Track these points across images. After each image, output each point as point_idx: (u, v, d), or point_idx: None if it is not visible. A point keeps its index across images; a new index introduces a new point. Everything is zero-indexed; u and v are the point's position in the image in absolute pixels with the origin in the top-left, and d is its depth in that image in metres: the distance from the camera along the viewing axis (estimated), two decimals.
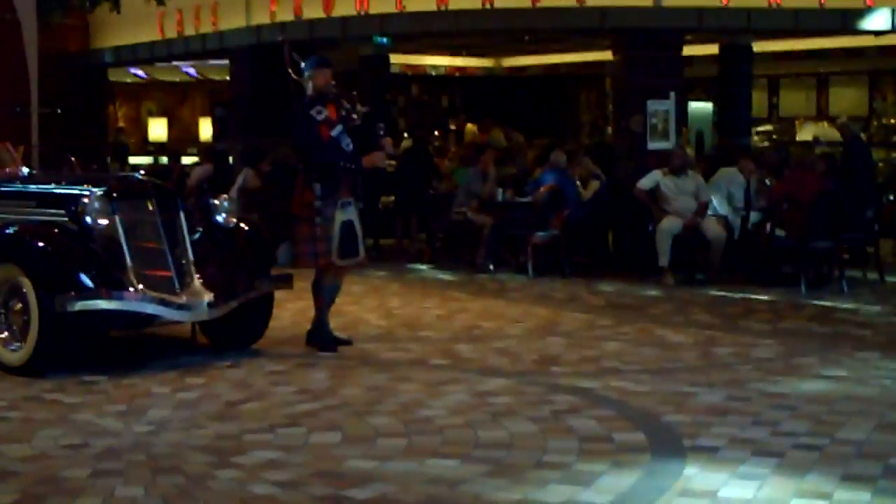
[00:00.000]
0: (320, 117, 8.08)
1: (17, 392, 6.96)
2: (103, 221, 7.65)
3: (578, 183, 13.07)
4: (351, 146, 8.13)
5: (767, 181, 12.30)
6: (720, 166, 12.74)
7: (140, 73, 21.42)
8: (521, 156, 14.99)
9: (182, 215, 7.95)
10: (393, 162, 14.69)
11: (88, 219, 7.64)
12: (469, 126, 20.86)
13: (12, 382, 7.21)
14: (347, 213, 8.19)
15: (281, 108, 8.59)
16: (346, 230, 8.15)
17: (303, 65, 8.30)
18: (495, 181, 13.19)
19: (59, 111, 16.82)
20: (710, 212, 11.93)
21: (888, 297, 10.92)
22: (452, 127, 21.20)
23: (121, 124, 22.44)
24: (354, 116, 8.22)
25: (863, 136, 14.81)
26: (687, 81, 14.97)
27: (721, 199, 12.06)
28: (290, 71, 8.41)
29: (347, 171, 8.13)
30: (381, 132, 8.48)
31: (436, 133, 20.85)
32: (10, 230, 7.68)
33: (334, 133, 8.08)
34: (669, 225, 11.64)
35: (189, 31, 16.44)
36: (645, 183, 11.95)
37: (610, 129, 15.95)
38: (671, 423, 6.21)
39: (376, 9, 13.56)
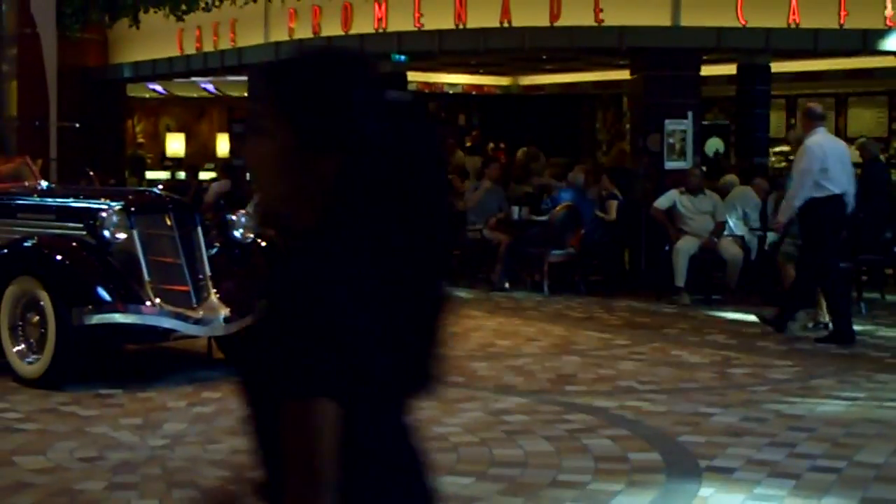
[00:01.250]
0: None
1: (34, 404, 6.98)
2: (121, 235, 7.67)
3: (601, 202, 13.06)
4: None
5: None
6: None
7: (158, 88, 21.51)
8: (539, 174, 14.98)
9: (199, 230, 7.97)
10: None
11: (106, 233, 7.67)
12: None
13: (29, 394, 7.23)
14: None
15: None
16: None
17: None
18: (485, 193, 13.17)
19: (77, 125, 16.92)
20: (725, 232, 11.90)
21: None
22: (468, 144, 21.22)
23: (140, 139, 22.54)
24: None
25: (882, 157, 14.73)
26: (704, 101, 14.95)
27: (737, 220, 12.02)
28: None
29: None
30: None
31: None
32: (29, 243, 7.72)
33: None
34: (686, 245, 11.61)
35: (207, 47, 16.52)
36: (662, 202, 11.92)
37: (627, 148, 15.94)
38: (687, 443, 6.19)
39: (394, 26, 13.60)
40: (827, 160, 9.29)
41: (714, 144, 16.29)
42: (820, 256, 9.35)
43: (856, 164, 14.77)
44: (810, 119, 9.61)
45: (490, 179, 13.42)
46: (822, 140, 9.44)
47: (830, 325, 9.63)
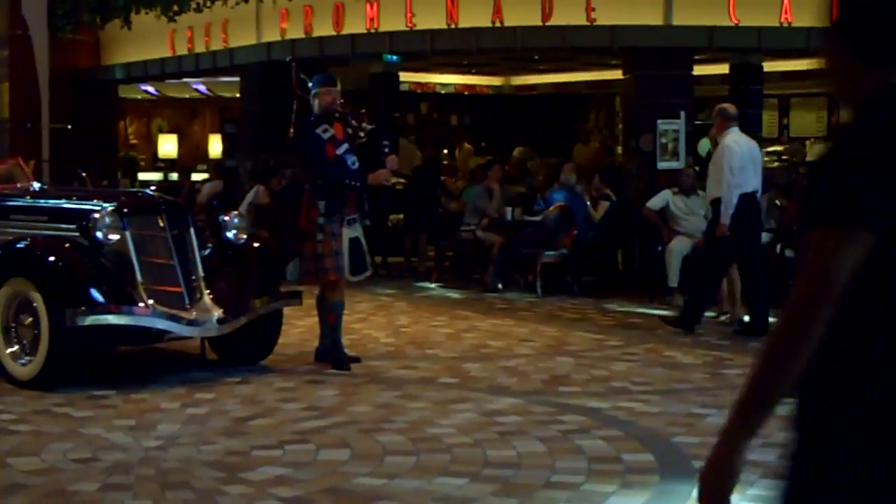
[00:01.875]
0: (326, 136, 8.11)
1: (27, 405, 6.97)
2: (114, 237, 7.66)
3: (589, 203, 13.06)
4: (356, 164, 8.16)
5: (778, 202, 12.27)
6: None
7: (150, 89, 21.48)
8: (532, 174, 15.00)
9: (192, 231, 7.97)
10: (402, 179, 14.72)
11: (99, 234, 7.66)
12: (466, 146, 20.88)
13: (22, 396, 7.22)
14: (354, 230, 8.22)
15: (290, 126, 8.62)
16: (352, 246, 8.19)
17: (310, 84, 8.34)
18: (501, 198, 13.20)
19: (69, 127, 16.89)
20: None
21: None
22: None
23: (133, 141, 22.50)
24: (361, 134, 8.25)
25: None
26: (697, 101, 14.97)
27: None
28: (297, 90, 8.45)
29: (352, 188, 8.16)
30: (386, 150, 8.51)
31: (444, 151, 20.89)
32: (22, 245, 7.71)
33: (339, 151, 8.11)
34: (679, 245, 11.62)
35: (199, 48, 16.50)
36: (654, 203, 11.93)
37: (619, 149, 15.94)
38: (681, 444, 6.20)
39: (386, 26, 13.60)
40: (744, 158, 9.64)
41: (706, 144, 16.31)
42: (726, 252, 9.74)
43: None
44: (725, 119, 9.90)
45: (494, 181, 13.41)
46: (738, 139, 9.81)
47: (746, 318, 10.00)
